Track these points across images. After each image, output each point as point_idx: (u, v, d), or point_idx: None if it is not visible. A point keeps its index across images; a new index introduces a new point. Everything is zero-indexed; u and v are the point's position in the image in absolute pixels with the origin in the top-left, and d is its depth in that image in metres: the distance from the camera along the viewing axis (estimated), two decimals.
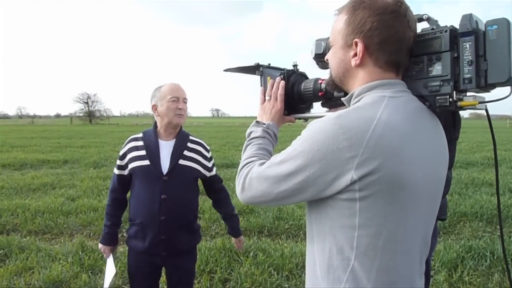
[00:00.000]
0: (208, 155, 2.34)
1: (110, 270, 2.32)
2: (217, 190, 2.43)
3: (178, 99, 2.19)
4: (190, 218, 2.27)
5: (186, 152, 2.23)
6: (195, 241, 2.34)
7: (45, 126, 48.26)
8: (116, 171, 2.27)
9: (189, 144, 2.27)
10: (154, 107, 2.23)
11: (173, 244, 2.18)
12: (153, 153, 2.17)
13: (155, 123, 2.28)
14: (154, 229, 2.13)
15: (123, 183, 2.27)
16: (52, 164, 11.20)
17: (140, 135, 2.26)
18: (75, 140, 21.09)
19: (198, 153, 2.28)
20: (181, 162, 2.19)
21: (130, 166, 2.19)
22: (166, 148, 2.21)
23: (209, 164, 2.34)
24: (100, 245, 2.35)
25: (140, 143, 2.21)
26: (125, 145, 2.26)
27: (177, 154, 2.20)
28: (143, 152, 2.18)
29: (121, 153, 2.26)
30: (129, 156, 2.21)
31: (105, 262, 3.80)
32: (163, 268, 2.32)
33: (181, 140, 2.25)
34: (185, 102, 2.24)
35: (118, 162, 2.26)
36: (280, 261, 3.86)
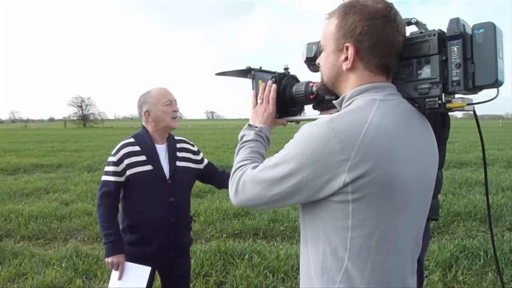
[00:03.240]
0: (195, 148, 2.39)
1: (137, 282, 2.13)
2: (219, 172, 2.42)
3: (171, 102, 2.22)
4: (190, 218, 2.34)
5: (178, 153, 2.26)
6: (191, 240, 2.41)
7: (38, 130, 47.98)
8: (111, 177, 2.16)
9: (178, 145, 2.30)
10: (147, 113, 2.20)
11: (179, 244, 2.23)
12: (154, 158, 2.17)
13: (144, 127, 2.26)
14: (162, 232, 2.14)
15: (118, 189, 2.19)
16: (46, 168, 11.13)
17: (132, 139, 2.21)
18: (69, 144, 20.97)
19: (187, 151, 2.32)
20: (178, 164, 2.23)
21: (130, 172, 2.14)
22: (162, 151, 2.22)
23: (199, 157, 2.39)
24: (110, 259, 2.10)
25: (137, 148, 2.18)
26: (119, 150, 2.17)
27: (173, 157, 2.23)
28: (142, 158, 2.16)
29: (115, 159, 2.16)
30: (126, 162, 2.14)
31: (100, 268, 3.80)
32: (156, 272, 2.33)
33: (172, 142, 2.29)
34: (177, 104, 2.27)
35: (113, 168, 2.15)
36: (276, 263, 3.86)
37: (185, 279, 2.36)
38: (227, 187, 2.41)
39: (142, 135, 2.23)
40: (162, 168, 2.17)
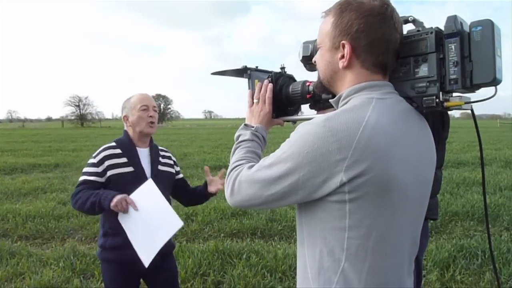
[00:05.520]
0: (175, 160, 2.48)
1: (164, 220, 1.99)
2: (185, 188, 2.49)
3: (148, 108, 2.23)
4: None
5: (161, 159, 2.32)
6: (174, 244, 2.42)
7: (36, 129, 47.92)
8: (90, 177, 2.12)
9: (161, 152, 2.36)
10: (126, 118, 2.25)
11: (162, 247, 2.15)
12: (134, 159, 2.18)
13: (126, 132, 2.28)
14: None
15: (97, 189, 2.10)
16: (43, 168, 11.13)
17: (113, 143, 2.22)
18: (67, 143, 20.96)
19: (169, 159, 2.40)
20: (160, 167, 2.27)
21: (110, 173, 2.12)
22: (143, 155, 2.24)
23: (177, 169, 2.46)
24: (114, 200, 1.93)
25: (117, 150, 2.18)
26: (99, 153, 2.16)
27: (155, 160, 2.27)
28: (123, 160, 2.16)
29: (95, 160, 2.13)
30: (107, 163, 2.12)
31: (97, 267, 3.79)
32: (142, 278, 2.29)
33: (155, 148, 2.33)
34: (155, 111, 2.28)
35: (93, 169, 2.12)
36: (273, 263, 3.86)
37: (173, 284, 2.32)
38: (192, 205, 2.44)
39: (123, 139, 2.26)
40: (144, 170, 2.19)
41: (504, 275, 3.59)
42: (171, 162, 2.39)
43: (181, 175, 2.48)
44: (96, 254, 3.85)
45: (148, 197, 2.03)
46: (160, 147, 2.40)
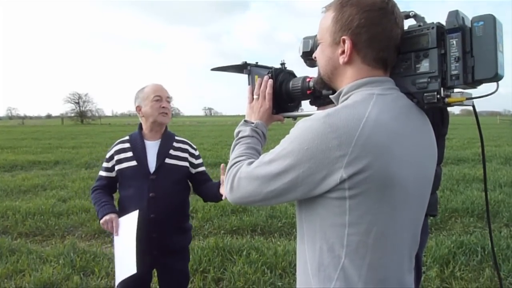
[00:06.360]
0: (196, 153, 2.35)
1: (126, 261, 2.00)
2: (204, 182, 2.33)
3: (161, 98, 2.22)
4: (181, 217, 2.28)
5: (172, 151, 2.25)
6: (186, 241, 2.33)
7: (35, 126, 47.88)
8: (103, 173, 2.26)
9: (175, 144, 2.29)
10: (138, 108, 2.25)
11: (164, 243, 2.17)
12: (139, 153, 2.20)
13: (140, 125, 2.30)
14: (144, 228, 2.09)
15: (110, 184, 2.26)
16: (43, 165, 11.10)
17: (127, 138, 2.28)
18: (67, 140, 20.93)
19: (185, 151, 2.29)
20: (168, 160, 2.22)
21: (117, 167, 2.21)
22: (152, 148, 2.23)
23: (196, 162, 2.33)
24: (102, 219, 2.06)
25: (127, 145, 2.24)
26: (112, 147, 2.27)
27: (163, 153, 2.22)
28: (129, 154, 2.20)
29: (107, 155, 2.26)
30: (116, 158, 2.22)
31: (97, 264, 3.79)
32: (155, 271, 2.30)
33: (167, 139, 2.27)
34: (169, 101, 2.27)
35: (105, 164, 2.26)
36: (274, 260, 3.86)
37: (179, 283, 2.30)
38: (210, 201, 2.29)
39: (135, 133, 2.29)
40: (147, 164, 2.18)
41: (503, 271, 3.60)
42: (185, 155, 2.28)
43: (200, 169, 2.32)
44: (96, 251, 3.86)
45: (126, 228, 2.06)
46: (177, 138, 2.33)
